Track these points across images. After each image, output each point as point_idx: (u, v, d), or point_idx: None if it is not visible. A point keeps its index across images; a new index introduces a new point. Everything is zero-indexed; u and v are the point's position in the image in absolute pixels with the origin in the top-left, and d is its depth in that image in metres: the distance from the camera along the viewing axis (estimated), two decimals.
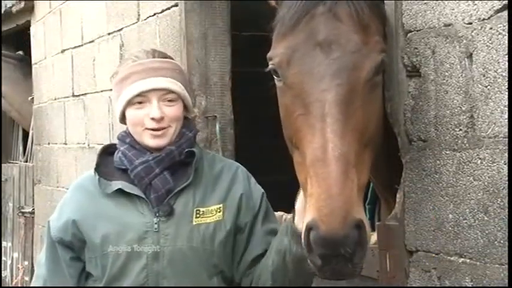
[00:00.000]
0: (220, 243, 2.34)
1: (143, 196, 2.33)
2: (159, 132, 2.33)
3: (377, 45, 2.06)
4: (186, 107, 2.44)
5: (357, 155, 1.96)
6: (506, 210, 1.96)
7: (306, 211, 1.93)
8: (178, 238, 2.30)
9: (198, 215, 2.34)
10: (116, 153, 2.43)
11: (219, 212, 2.35)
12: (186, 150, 2.37)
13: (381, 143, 2.20)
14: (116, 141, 2.49)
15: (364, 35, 2.03)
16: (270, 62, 2.11)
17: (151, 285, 2.29)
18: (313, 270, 1.94)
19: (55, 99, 6.08)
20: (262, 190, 2.48)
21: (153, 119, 2.31)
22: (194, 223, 2.33)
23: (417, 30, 2.26)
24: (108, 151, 2.48)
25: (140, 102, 2.34)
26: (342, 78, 1.97)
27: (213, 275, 2.33)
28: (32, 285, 2.59)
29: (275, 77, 2.12)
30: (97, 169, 2.40)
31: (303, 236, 1.91)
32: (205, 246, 2.32)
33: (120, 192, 2.34)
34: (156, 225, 2.30)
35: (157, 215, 2.31)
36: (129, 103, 2.35)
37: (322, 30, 2.02)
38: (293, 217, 2.17)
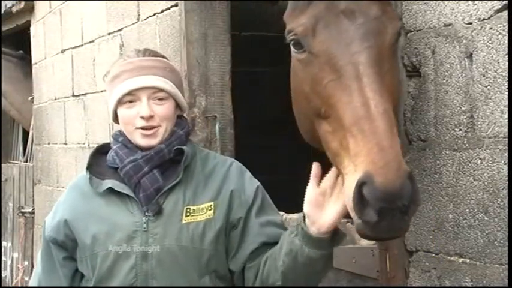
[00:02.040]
0: (210, 242, 2.30)
1: (133, 195, 2.31)
2: (150, 132, 2.31)
3: (394, 12, 2.10)
4: (178, 106, 2.42)
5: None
6: (506, 210, 1.96)
7: (350, 170, 1.90)
8: (167, 237, 2.28)
9: (188, 214, 2.31)
10: (109, 152, 2.42)
11: (210, 210, 2.32)
12: (176, 148, 2.34)
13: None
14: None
15: (381, 4, 2.06)
16: (290, 35, 2.10)
17: (140, 285, 2.27)
18: (364, 231, 1.88)
19: (55, 99, 6.08)
20: (258, 184, 2.43)
21: (142, 117, 2.30)
22: (184, 222, 2.29)
23: (417, 30, 2.26)
24: (102, 151, 2.47)
25: (131, 101, 2.33)
26: (371, 42, 1.99)
27: (205, 274, 2.30)
28: (29, 283, 2.59)
29: (295, 51, 2.11)
30: (89, 168, 2.39)
31: (353, 194, 1.86)
32: (195, 245, 2.29)
33: (112, 191, 2.33)
34: (145, 225, 2.28)
35: (146, 214, 2.29)
36: (120, 102, 2.34)
37: (341, 0, 2.04)
38: (303, 218, 2.12)
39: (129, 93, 2.32)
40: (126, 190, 2.32)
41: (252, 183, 2.41)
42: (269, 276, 2.25)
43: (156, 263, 2.27)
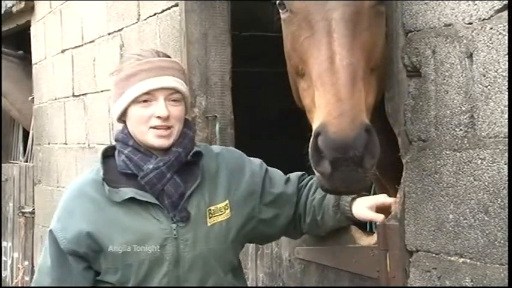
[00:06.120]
0: (232, 240, 2.38)
1: (157, 202, 2.30)
2: (165, 133, 2.31)
3: None
4: (185, 108, 2.44)
5: (364, 73, 1.98)
6: (507, 210, 1.96)
7: (314, 123, 1.93)
8: (198, 242, 2.31)
9: (210, 215, 2.35)
10: (117, 156, 2.38)
11: (227, 209, 2.38)
12: (194, 151, 2.38)
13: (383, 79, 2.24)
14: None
15: None
16: None
17: None
18: (321, 182, 1.93)
19: (55, 99, 6.08)
20: (258, 161, 2.58)
21: (159, 117, 2.29)
22: (209, 224, 2.34)
23: (417, 30, 2.26)
24: (107, 154, 2.42)
25: (145, 101, 2.31)
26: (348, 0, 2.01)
27: (228, 271, 2.38)
28: None
29: (280, 11, 2.15)
30: (104, 179, 2.33)
31: (310, 144, 1.90)
32: (220, 245, 2.35)
33: (131, 199, 2.29)
34: (174, 231, 2.29)
35: (174, 220, 2.30)
36: (134, 101, 2.31)
37: None
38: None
39: (147, 93, 2.31)
40: (148, 198, 2.30)
41: (255, 167, 2.54)
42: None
43: (188, 268, 2.30)
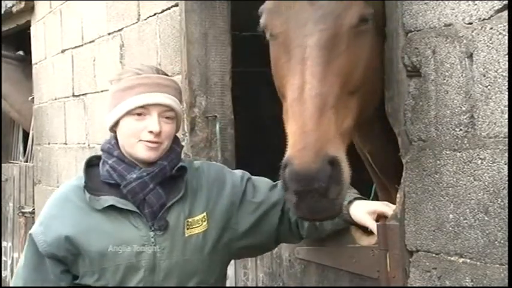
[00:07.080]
0: (208, 252, 2.41)
1: (137, 211, 2.34)
2: (154, 145, 2.34)
3: None
4: (177, 126, 2.47)
5: (339, 99, 1.98)
6: (507, 210, 1.96)
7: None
8: (174, 251, 2.35)
9: (188, 227, 2.39)
10: (101, 166, 2.42)
11: (204, 221, 2.41)
12: (179, 165, 2.41)
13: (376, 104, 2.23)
14: None
15: None
16: (261, 18, 2.15)
17: None
18: (292, 210, 1.99)
19: (55, 99, 6.08)
20: (240, 174, 2.57)
21: (151, 132, 2.32)
22: (186, 235, 2.38)
23: (417, 30, 2.26)
24: (91, 163, 2.47)
25: (139, 114, 2.34)
26: (325, 24, 2.01)
27: (204, 283, 2.41)
28: None
29: (265, 32, 2.17)
30: (85, 186, 2.38)
31: (280, 174, 1.93)
32: (196, 256, 2.38)
33: (111, 207, 2.34)
34: (152, 239, 2.33)
35: (152, 229, 2.34)
36: (128, 113, 2.35)
37: None
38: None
39: (142, 106, 2.34)
40: (129, 206, 2.34)
41: (235, 180, 2.54)
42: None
43: (163, 276, 2.33)
